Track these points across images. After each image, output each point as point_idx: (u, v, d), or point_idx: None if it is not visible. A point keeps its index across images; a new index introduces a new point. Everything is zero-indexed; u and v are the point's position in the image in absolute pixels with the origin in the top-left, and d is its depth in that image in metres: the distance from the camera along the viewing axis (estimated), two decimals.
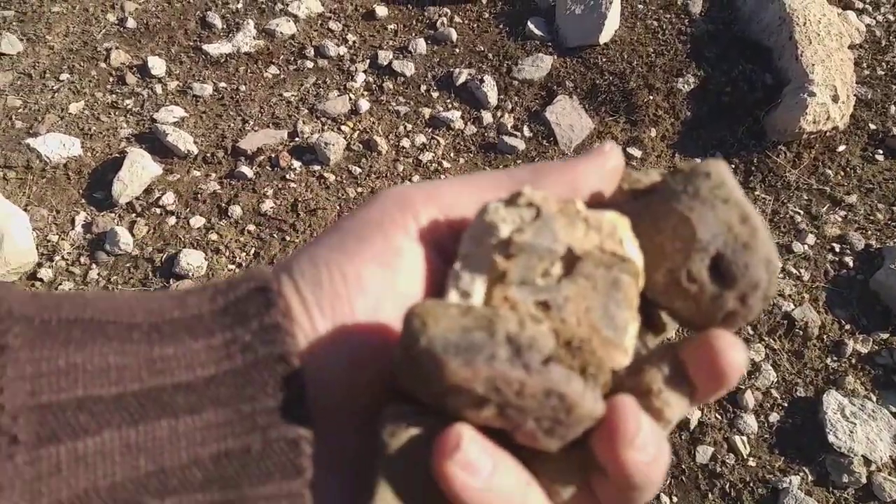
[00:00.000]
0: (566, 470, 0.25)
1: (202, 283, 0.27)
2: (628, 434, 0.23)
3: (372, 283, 0.26)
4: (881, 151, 1.72)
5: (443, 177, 1.66)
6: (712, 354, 0.25)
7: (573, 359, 0.24)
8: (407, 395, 0.25)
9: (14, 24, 1.92)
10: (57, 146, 1.68)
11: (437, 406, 0.24)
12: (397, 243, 0.27)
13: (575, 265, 0.25)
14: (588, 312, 0.25)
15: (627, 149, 1.71)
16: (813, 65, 1.72)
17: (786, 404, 1.38)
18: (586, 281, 0.25)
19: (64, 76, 1.83)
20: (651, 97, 1.77)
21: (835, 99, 1.71)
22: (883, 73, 1.86)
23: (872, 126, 1.75)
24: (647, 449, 0.24)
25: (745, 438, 1.33)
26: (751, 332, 1.45)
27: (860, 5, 2.00)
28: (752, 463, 1.31)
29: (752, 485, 1.28)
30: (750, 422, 1.34)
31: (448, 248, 0.28)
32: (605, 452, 0.24)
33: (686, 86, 1.79)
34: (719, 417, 1.36)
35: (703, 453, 1.31)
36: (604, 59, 1.83)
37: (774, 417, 1.36)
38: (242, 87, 1.80)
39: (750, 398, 1.37)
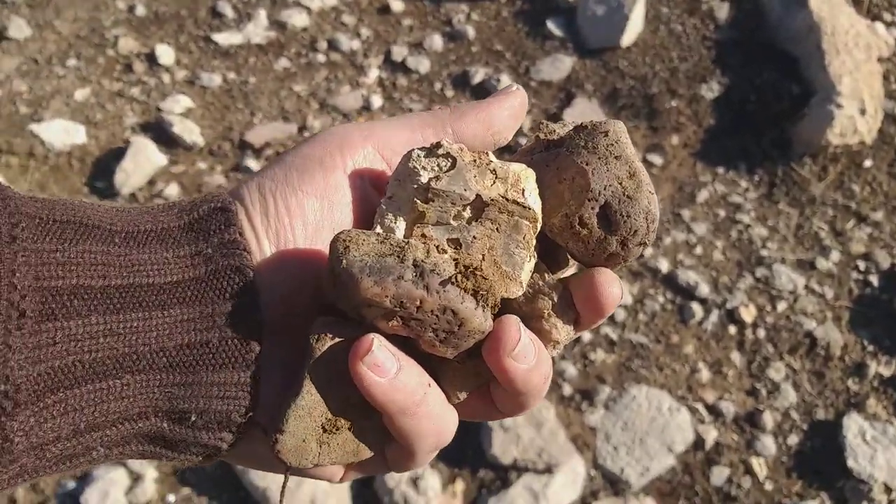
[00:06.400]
0: (463, 375, 0.31)
1: (169, 202, 0.32)
2: (509, 344, 0.29)
3: (311, 213, 0.31)
4: None
5: None
6: (594, 288, 0.30)
7: (468, 283, 0.29)
8: (333, 308, 0.30)
9: (23, 8, 1.90)
10: (61, 133, 1.67)
11: (356, 317, 0.30)
12: (335, 179, 0.32)
13: (483, 210, 0.30)
14: (492, 250, 0.30)
15: (647, 155, 1.68)
16: (841, 76, 1.69)
17: (805, 426, 1.35)
18: (492, 224, 0.30)
19: (71, 62, 1.81)
20: (674, 103, 1.74)
21: (862, 112, 1.68)
22: None
23: None
24: (526, 358, 0.29)
25: (762, 460, 1.30)
26: (771, 350, 1.42)
27: (889, 17, 1.97)
28: (768, 486, 1.28)
29: None
30: (768, 443, 1.31)
31: (380, 186, 0.32)
32: (491, 360, 0.29)
33: (710, 93, 1.77)
34: (736, 438, 1.33)
35: (719, 475, 1.28)
36: (625, 63, 1.81)
37: (793, 439, 1.33)
38: (252, 79, 1.79)
39: (769, 419, 1.34)
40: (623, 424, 1.31)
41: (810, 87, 1.73)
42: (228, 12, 1.91)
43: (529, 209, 0.30)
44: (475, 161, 0.30)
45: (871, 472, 1.26)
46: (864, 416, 1.34)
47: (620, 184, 0.30)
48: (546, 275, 0.31)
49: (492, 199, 0.30)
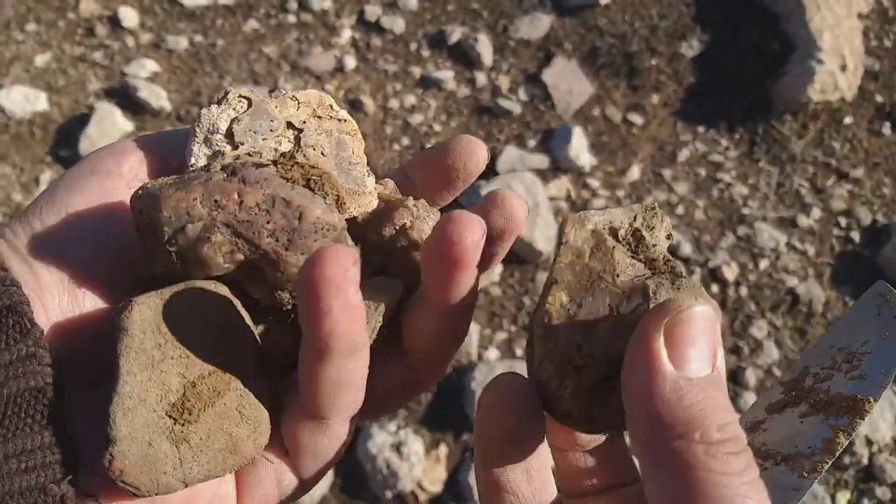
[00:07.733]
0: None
1: None
2: (460, 223, 0.23)
3: (84, 232, 0.26)
4: (888, 125, 1.67)
5: (433, 140, 1.58)
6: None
7: (294, 171, 0.25)
8: (148, 285, 0.25)
9: None
10: (21, 100, 1.58)
11: (175, 268, 0.25)
12: (112, 185, 0.27)
13: (299, 139, 0.27)
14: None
15: (628, 115, 1.64)
16: (821, 31, 1.66)
17: None
18: (314, 151, 0.27)
19: (30, 27, 1.71)
20: (654, 61, 1.70)
21: (843, 68, 1.65)
22: (890, 44, 1.79)
23: (879, 98, 1.69)
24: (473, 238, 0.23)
25: None
26: (753, 308, 1.40)
27: None
28: None
29: None
30: (751, 400, 1.30)
31: None
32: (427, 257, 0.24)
33: (690, 51, 1.72)
34: None
35: None
36: (604, 21, 1.75)
37: None
38: (220, 41, 1.70)
39: (751, 376, 1.32)
40: None
41: (791, 44, 1.69)
42: None
43: (346, 121, 0.28)
44: (272, 94, 0.28)
45: None
46: None
47: None
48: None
49: (303, 122, 0.27)
